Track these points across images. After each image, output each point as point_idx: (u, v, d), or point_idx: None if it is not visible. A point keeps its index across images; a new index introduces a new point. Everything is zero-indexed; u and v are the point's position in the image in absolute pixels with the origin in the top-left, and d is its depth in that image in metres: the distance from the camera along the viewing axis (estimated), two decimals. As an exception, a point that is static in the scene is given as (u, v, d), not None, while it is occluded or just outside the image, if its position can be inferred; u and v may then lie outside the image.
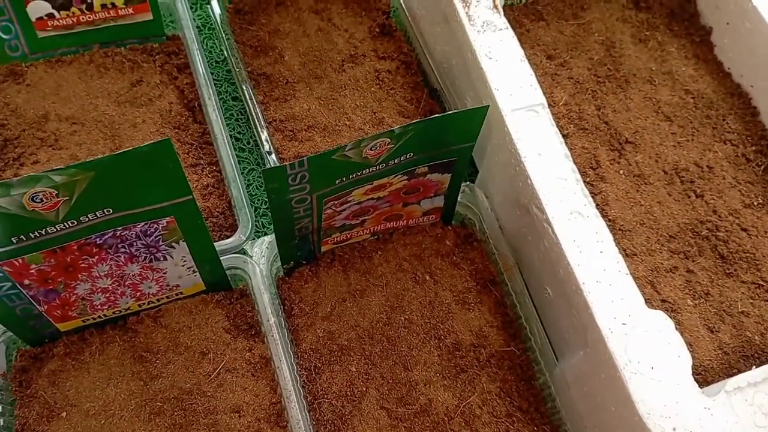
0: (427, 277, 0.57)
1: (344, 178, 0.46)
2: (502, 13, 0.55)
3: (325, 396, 0.51)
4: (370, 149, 0.44)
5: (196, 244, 0.47)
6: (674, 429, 0.41)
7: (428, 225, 0.59)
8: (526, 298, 0.54)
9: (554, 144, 0.50)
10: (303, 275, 0.56)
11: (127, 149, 0.38)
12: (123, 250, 0.45)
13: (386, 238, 0.58)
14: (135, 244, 0.45)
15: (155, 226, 0.44)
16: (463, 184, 0.59)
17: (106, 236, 0.43)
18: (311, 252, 0.56)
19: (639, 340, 0.43)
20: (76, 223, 0.41)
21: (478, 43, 0.54)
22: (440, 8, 0.59)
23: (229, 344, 0.52)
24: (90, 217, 0.41)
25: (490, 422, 0.51)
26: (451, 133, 0.47)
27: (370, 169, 0.47)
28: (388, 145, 0.44)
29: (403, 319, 0.55)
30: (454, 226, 0.59)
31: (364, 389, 0.52)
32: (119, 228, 0.43)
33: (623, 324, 0.44)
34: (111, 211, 0.41)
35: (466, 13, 0.55)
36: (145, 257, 0.47)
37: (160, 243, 0.46)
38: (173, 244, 0.46)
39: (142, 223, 0.43)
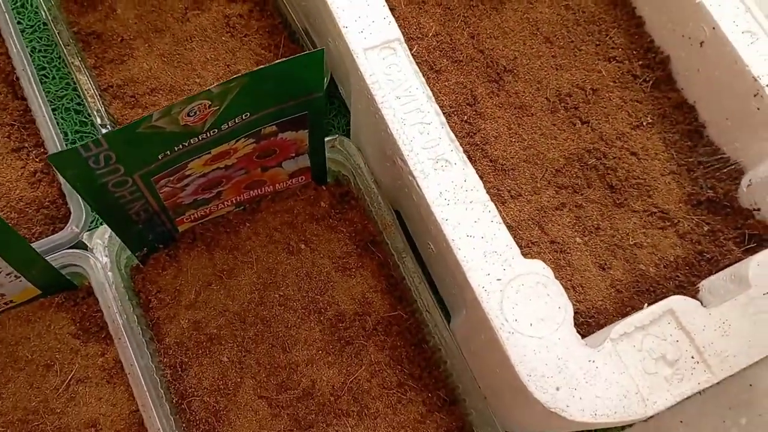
0: (302, 246, 0.51)
1: (168, 152, 0.39)
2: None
3: (195, 393, 0.46)
4: (188, 115, 0.37)
5: (7, 252, 0.40)
6: (558, 389, 0.37)
7: (299, 187, 0.53)
8: (409, 256, 0.49)
9: (414, 84, 0.44)
10: (160, 262, 0.50)
11: None
12: None
13: (254, 208, 0.52)
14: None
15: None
16: (333, 137, 0.53)
17: None
18: (167, 234, 0.49)
19: (515, 296, 0.39)
20: None
21: (321, -26, 0.47)
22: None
23: (78, 351, 0.46)
24: None
25: (380, 395, 0.47)
26: (288, 85, 0.40)
27: (200, 138, 0.40)
28: (210, 108, 0.38)
29: (277, 296, 0.49)
30: (328, 185, 0.53)
31: (239, 380, 0.47)
32: None
33: (498, 280, 0.39)
34: None
35: (306, -61, 0.48)
36: (-56, 272, 0.40)
37: (-43, 254, 0.39)
38: (-25, 253, 0.39)
39: None
